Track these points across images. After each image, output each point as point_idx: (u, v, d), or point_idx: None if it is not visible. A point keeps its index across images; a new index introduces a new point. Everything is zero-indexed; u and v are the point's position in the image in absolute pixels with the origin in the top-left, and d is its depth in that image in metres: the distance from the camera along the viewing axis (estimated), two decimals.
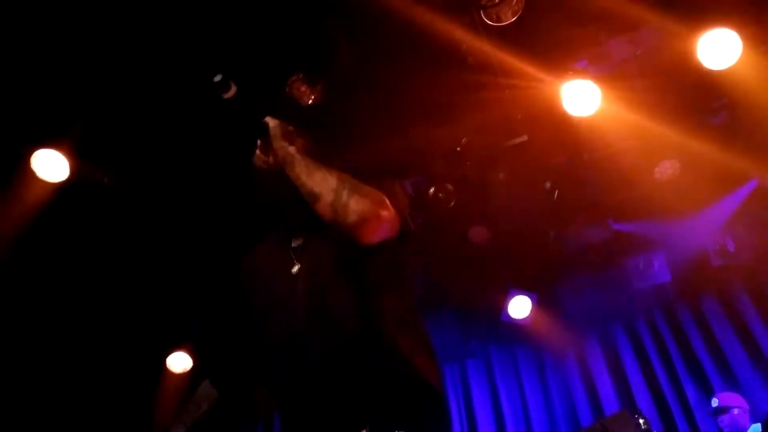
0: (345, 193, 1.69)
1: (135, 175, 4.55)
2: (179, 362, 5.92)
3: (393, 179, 1.93)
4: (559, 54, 4.28)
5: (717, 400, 4.74)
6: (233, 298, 2.08)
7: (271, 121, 1.89)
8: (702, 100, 4.67)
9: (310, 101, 4.28)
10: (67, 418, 5.30)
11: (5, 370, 4.96)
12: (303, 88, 4.25)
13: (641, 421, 3.31)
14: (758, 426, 4.50)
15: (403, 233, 1.83)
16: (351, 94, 4.31)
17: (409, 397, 1.67)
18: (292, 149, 1.84)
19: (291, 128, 1.92)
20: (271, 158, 1.89)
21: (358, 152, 4.75)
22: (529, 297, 6.10)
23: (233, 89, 1.88)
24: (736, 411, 4.62)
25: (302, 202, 1.78)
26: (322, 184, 1.73)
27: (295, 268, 1.89)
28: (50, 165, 4.17)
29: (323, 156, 1.98)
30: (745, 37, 3.96)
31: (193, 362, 5.95)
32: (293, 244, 1.96)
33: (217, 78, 1.87)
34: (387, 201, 1.74)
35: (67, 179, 4.25)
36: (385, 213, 1.72)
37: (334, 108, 4.31)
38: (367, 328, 1.73)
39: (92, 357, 5.49)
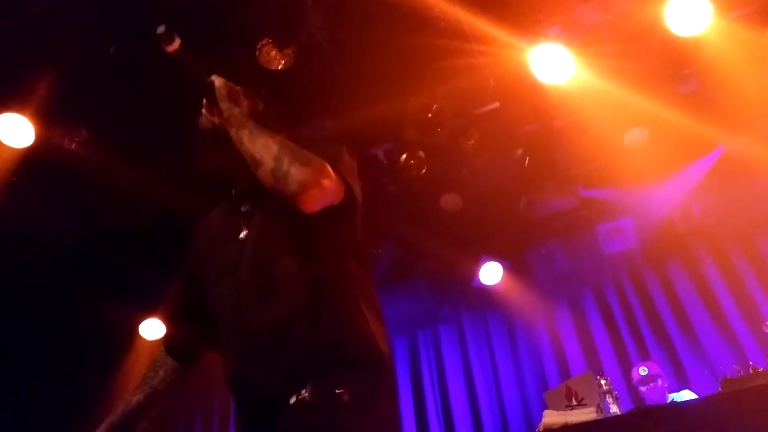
0: (286, 161, 1.67)
1: (103, 139, 4.48)
2: (152, 330, 5.91)
3: (341, 144, 1.91)
4: (531, 20, 4.27)
5: (646, 369, 4.86)
6: (189, 263, 2.07)
7: (217, 80, 1.83)
8: (672, 67, 4.69)
9: (280, 66, 4.24)
10: (39, 386, 5.29)
11: None
12: (273, 53, 4.20)
13: (603, 381, 3.39)
14: (680, 394, 4.68)
15: (347, 200, 1.83)
16: (321, 59, 4.27)
17: (352, 359, 1.70)
18: (237, 111, 1.80)
19: (238, 88, 1.86)
20: (216, 119, 1.85)
21: (329, 119, 4.77)
22: (500, 263, 6.16)
23: (176, 42, 1.82)
24: (659, 381, 4.75)
25: (248, 166, 1.76)
26: (264, 150, 1.71)
27: (243, 234, 1.89)
28: (15, 130, 4.09)
29: (271, 118, 1.98)
30: (714, 3, 3.99)
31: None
32: (242, 209, 1.95)
33: (161, 29, 1.81)
34: (329, 169, 1.73)
35: (32, 144, 4.17)
36: (326, 181, 1.71)
37: (306, 73, 4.28)
38: (312, 296, 1.74)
39: (64, 326, 5.47)
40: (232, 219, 1.95)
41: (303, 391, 1.63)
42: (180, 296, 2.12)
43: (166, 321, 2.44)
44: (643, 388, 4.79)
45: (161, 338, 2.15)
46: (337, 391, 1.62)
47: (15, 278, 5.13)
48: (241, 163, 1.76)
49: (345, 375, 1.66)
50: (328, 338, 1.71)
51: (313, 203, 1.71)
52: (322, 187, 1.69)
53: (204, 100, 1.86)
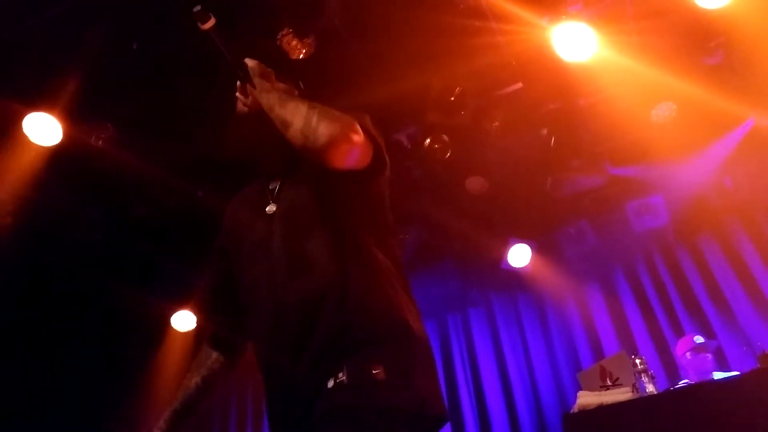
0: (315, 118, 1.71)
1: (129, 134, 4.53)
2: (184, 321, 5.99)
3: (366, 115, 1.91)
4: None
5: (702, 338, 4.77)
6: (220, 245, 2.10)
7: (249, 62, 1.88)
8: (698, 40, 4.60)
9: (302, 55, 4.24)
10: (73, 378, 5.38)
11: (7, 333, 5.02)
12: (294, 42, 4.21)
13: (638, 361, 3.35)
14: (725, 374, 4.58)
15: (376, 161, 1.83)
16: (342, 45, 4.26)
17: (383, 335, 1.71)
18: (267, 85, 1.85)
19: (270, 69, 1.91)
20: (249, 99, 1.89)
21: (351, 105, 4.76)
22: (528, 245, 6.12)
23: (211, 21, 1.86)
24: (710, 356, 4.68)
25: (280, 145, 1.81)
26: (294, 111, 1.75)
27: (270, 207, 1.92)
28: (43, 128, 4.15)
29: (301, 93, 2.01)
30: None
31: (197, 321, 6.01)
32: (270, 186, 1.99)
33: (197, 8, 1.85)
34: (357, 125, 1.75)
35: (60, 142, 4.23)
36: (355, 136, 1.72)
37: (326, 61, 4.27)
38: (343, 273, 1.76)
39: (96, 319, 5.56)
40: (261, 196, 1.98)
41: (340, 374, 1.64)
42: (212, 281, 2.14)
43: (201, 313, 2.47)
44: (689, 356, 4.68)
45: (201, 332, 2.18)
46: (373, 371, 1.63)
47: (47, 274, 5.23)
48: (271, 142, 1.82)
49: (378, 352, 1.67)
50: (358, 315, 1.72)
51: (342, 158, 1.74)
52: (350, 141, 1.72)
53: (238, 83, 1.90)
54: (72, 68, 4.01)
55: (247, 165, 2.11)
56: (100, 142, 4.51)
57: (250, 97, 1.89)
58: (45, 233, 5.02)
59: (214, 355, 2.09)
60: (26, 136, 4.15)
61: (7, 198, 4.52)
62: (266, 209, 1.92)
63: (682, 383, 4.59)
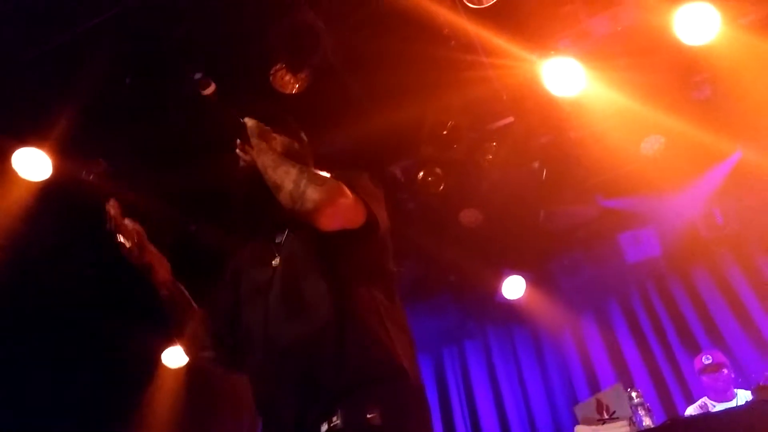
0: (303, 183, 1.79)
1: (121, 168, 4.53)
2: (175, 358, 5.92)
3: (363, 173, 2.01)
4: (542, 33, 4.28)
5: (710, 357, 4.73)
6: (219, 288, 2.16)
7: (248, 121, 1.99)
8: (684, 74, 4.68)
9: (295, 90, 4.27)
10: (63, 415, 5.30)
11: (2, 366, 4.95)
12: (287, 78, 4.24)
13: (633, 394, 3.34)
14: (747, 392, 4.53)
15: (368, 223, 1.89)
16: (335, 80, 4.30)
17: (376, 378, 1.73)
18: (264, 146, 1.95)
19: (268, 128, 2.02)
20: (248, 156, 1.99)
21: (346, 139, 4.80)
22: (522, 276, 6.13)
23: (212, 87, 1.96)
24: (725, 371, 4.64)
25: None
26: (285, 175, 1.83)
27: (276, 261, 1.98)
28: (32, 163, 4.13)
29: (299, 151, 2.12)
30: (722, 11, 3.97)
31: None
32: (277, 240, 2.05)
33: (197, 76, 1.95)
34: (345, 189, 1.82)
35: (50, 177, 4.21)
36: (341, 200, 1.80)
37: (320, 95, 4.30)
38: (338, 315, 1.80)
39: (87, 354, 5.49)
40: (266, 248, 2.05)
41: (334, 418, 1.65)
42: (208, 321, 2.18)
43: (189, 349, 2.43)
44: (705, 379, 4.66)
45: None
46: (368, 414, 1.64)
47: (38, 309, 5.17)
48: (273, 196, 1.88)
49: (372, 396, 1.68)
50: (351, 358, 1.74)
51: (329, 221, 1.80)
52: (336, 205, 1.79)
53: (238, 140, 2.01)
54: (62, 103, 4.01)
55: (253, 218, 2.21)
56: (91, 177, 4.50)
57: (249, 155, 1.98)
58: (35, 269, 4.97)
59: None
60: (15, 172, 4.12)
61: None
62: (272, 262, 1.99)
63: (699, 402, 4.57)
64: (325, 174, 1.87)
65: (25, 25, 3.66)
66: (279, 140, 2.07)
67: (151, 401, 6.02)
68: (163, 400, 6.05)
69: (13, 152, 4.09)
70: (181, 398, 6.09)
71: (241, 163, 2.03)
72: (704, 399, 4.65)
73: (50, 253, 4.99)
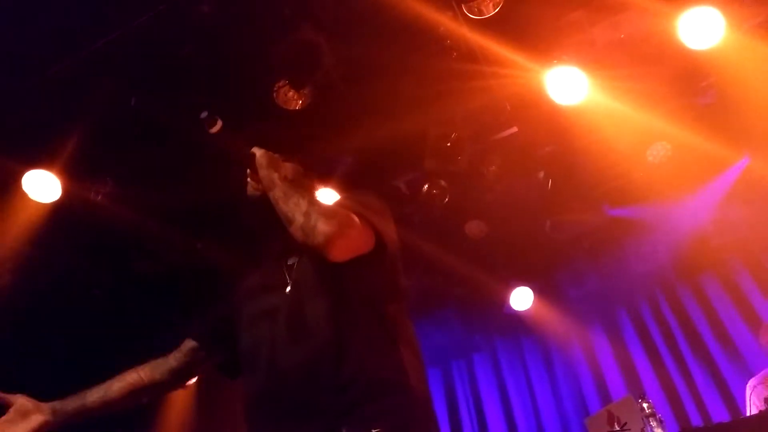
0: (314, 216, 1.81)
1: (129, 189, 4.55)
2: None
3: (368, 192, 2.06)
4: (544, 43, 4.28)
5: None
6: (227, 305, 2.18)
7: (257, 151, 2.02)
8: (689, 80, 4.66)
9: (298, 106, 4.28)
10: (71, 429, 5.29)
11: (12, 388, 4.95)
12: (290, 94, 4.26)
13: (645, 405, 3.30)
14: None
15: (377, 247, 1.93)
16: (338, 94, 4.31)
17: (379, 396, 1.74)
18: (274, 176, 1.97)
19: (276, 156, 2.04)
20: (259, 185, 2.02)
21: (350, 153, 4.81)
22: (530, 288, 6.10)
23: (219, 124, 1.99)
24: None
25: None
26: (295, 208, 1.85)
27: (288, 288, 2.01)
28: (42, 185, 4.17)
29: (308, 177, 2.17)
30: (727, 15, 3.96)
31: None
32: (288, 262, 2.08)
33: (204, 115, 1.98)
34: (354, 219, 1.87)
35: (59, 199, 4.25)
36: (351, 231, 1.85)
37: (323, 110, 4.32)
38: (338, 334, 1.82)
39: (96, 374, 5.48)
40: (278, 272, 2.07)
41: None
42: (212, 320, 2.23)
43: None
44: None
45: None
46: (373, 430, 1.65)
47: (47, 330, 5.18)
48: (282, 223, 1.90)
49: (377, 414, 1.69)
50: (356, 377, 1.76)
51: (341, 253, 1.84)
52: (347, 237, 1.83)
53: (248, 170, 2.04)
54: (70, 125, 4.05)
55: (264, 244, 2.24)
56: (100, 198, 4.52)
57: (260, 183, 2.01)
58: (44, 290, 4.99)
59: (173, 362, 2.18)
60: (25, 194, 4.16)
61: (6, 255, 4.51)
62: (285, 289, 2.00)
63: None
64: (333, 206, 1.91)
65: (32, 49, 3.70)
66: (288, 167, 2.10)
67: (160, 418, 6.02)
68: (173, 417, 6.04)
69: (23, 175, 4.13)
70: (192, 413, 6.09)
71: (251, 191, 2.07)
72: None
73: (61, 272, 5.01)
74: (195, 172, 4.47)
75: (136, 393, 2.14)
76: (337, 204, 2.05)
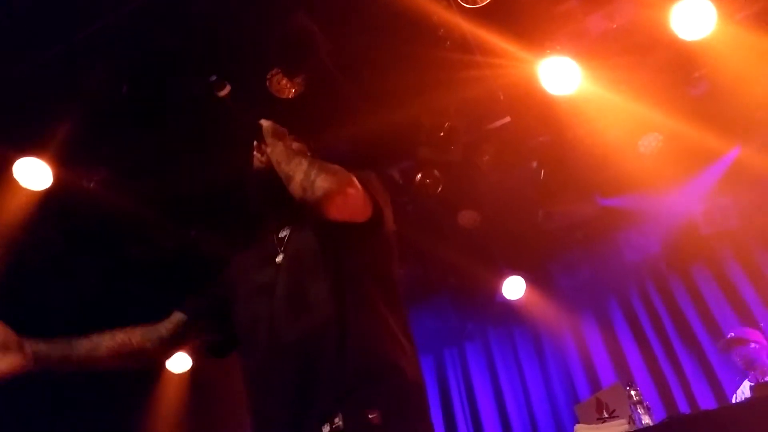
0: (314, 173, 1.83)
1: (121, 176, 4.54)
2: (179, 363, 5.93)
3: (371, 172, 2.03)
4: (538, 33, 4.28)
5: (732, 333, 4.67)
6: (221, 283, 2.18)
7: (264, 122, 2.03)
8: (681, 71, 4.68)
9: (291, 94, 4.28)
10: (67, 423, 5.31)
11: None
12: (283, 82, 4.25)
13: (633, 392, 3.34)
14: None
15: (375, 217, 1.91)
16: (332, 83, 4.30)
17: (376, 378, 1.75)
18: (279, 144, 1.98)
19: (284, 129, 2.05)
20: (264, 157, 2.03)
21: (343, 142, 4.81)
22: (522, 277, 6.13)
23: (227, 88, 2.01)
24: (753, 345, 4.55)
25: (290, 197, 1.91)
26: (297, 166, 1.87)
27: (279, 258, 2.00)
28: (33, 173, 4.15)
29: (313, 153, 2.15)
30: (719, 6, 3.97)
31: (193, 363, 5.96)
32: (280, 234, 2.07)
33: (213, 78, 2.00)
34: (354, 180, 1.85)
35: (51, 186, 4.23)
36: (350, 190, 1.83)
37: (317, 99, 4.31)
38: (339, 313, 1.81)
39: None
40: (269, 245, 2.07)
41: (336, 419, 1.66)
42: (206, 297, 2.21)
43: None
44: (734, 354, 4.58)
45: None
46: (369, 415, 1.66)
47: (41, 318, 5.18)
48: (282, 194, 1.92)
49: (373, 397, 1.70)
50: (353, 360, 1.76)
51: (338, 210, 1.83)
52: (346, 194, 1.82)
53: (255, 142, 2.06)
54: (61, 112, 4.03)
55: (259, 215, 2.24)
56: (92, 185, 4.52)
57: (265, 155, 2.03)
58: (37, 278, 4.99)
59: (163, 331, 2.13)
60: (16, 181, 4.15)
61: None
62: (276, 259, 2.00)
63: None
64: (334, 165, 1.89)
65: (23, 35, 3.68)
66: (293, 142, 2.10)
67: (154, 407, 6.03)
68: (167, 406, 6.06)
69: (14, 162, 4.12)
70: (185, 403, 6.11)
71: (256, 164, 2.08)
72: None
73: (52, 260, 5.01)
74: (189, 160, 4.47)
75: (123, 356, 2.07)
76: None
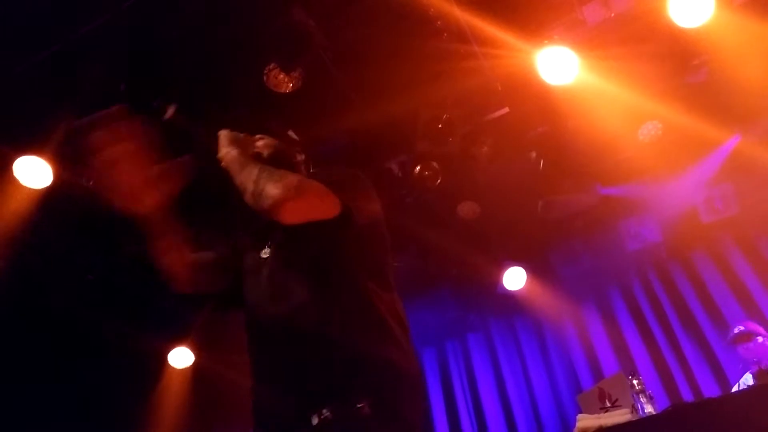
0: (262, 182, 1.82)
1: None
2: (181, 358, 5.95)
3: (349, 169, 2.07)
4: (535, 23, 4.27)
5: (741, 327, 4.66)
6: (231, 254, 2.23)
7: (221, 132, 2.03)
8: (680, 59, 4.65)
9: (289, 89, 4.27)
10: (69, 420, 5.32)
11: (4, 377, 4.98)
12: (281, 77, 4.24)
13: (635, 381, 3.33)
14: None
15: (343, 215, 1.88)
16: (329, 77, 4.30)
17: (371, 369, 1.77)
18: (234, 152, 1.96)
19: (242, 134, 2.06)
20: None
21: (341, 136, 4.80)
22: (523, 267, 6.13)
23: (171, 110, 1.98)
24: (760, 339, 4.54)
25: None
26: (247, 177, 1.86)
27: (266, 251, 2.06)
28: (33, 171, 4.16)
29: (286, 150, 2.17)
30: None
31: (195, 358, 5.98)
32: (266, 228, 2.11)
33: (155, 103, 1.98)
34: (305, 184, 1.86)
35: (51, 184, 4.24)
36: (302, 194, 1.82)
37: (314, 93, 4.31)
38: (315, 300, 1.86)
39: (93, 358, 5.51)
40: (261, 237, 2.12)
41: (324, 411, 1.69)
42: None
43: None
44: (741, 349, 4.57)
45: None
46: (358, 405, 1.68)
47: (41, 314, 5.19)
48: None
49: (362, 387, 1.72)
50: (341, 350, 1.79)
51: (291, 215, 1.82)
52: (295, 200, 1.80)
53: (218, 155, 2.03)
54: (60, 111, 4.03)
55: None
56: (91, 183, 4.51)
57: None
58: (37, 276, 4.99)
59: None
60: (17, 180, 4.16)
61: None
62: (262, 253, 2.06)
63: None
64: (283, 171, 1.88)
65: (22, 34, 3.67)
66: (263, 142, 2.10)
67: (157, 402, 6.05)
68: (170, 401, 6.08)
69: (14, 161, 4.13)
70: (188, 399, 6.12)
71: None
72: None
73: (52, 258, 5.01)
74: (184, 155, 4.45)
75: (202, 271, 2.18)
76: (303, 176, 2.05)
